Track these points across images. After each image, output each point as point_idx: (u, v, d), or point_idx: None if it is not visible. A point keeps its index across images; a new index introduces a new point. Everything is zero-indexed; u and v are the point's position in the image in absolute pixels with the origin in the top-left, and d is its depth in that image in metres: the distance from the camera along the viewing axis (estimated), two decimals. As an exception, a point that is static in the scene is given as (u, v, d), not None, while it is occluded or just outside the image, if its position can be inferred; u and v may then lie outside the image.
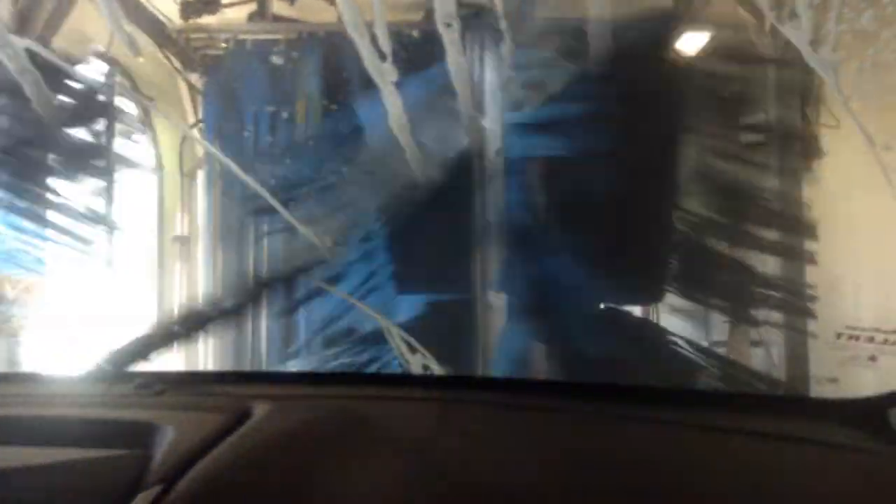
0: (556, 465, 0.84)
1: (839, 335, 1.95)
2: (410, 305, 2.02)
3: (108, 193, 2.25)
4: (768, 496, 0.74)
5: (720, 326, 2.31)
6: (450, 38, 1.84)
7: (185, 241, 2.44)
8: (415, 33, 2.37)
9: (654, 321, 2.33)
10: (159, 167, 2.63)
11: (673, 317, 2.21)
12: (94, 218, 2.20)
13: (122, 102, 2.43)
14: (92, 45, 2.18)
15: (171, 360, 1.41)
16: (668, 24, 2.21)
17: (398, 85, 1.86)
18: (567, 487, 0.78)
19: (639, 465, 0.83)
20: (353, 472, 0.82)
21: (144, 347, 1.45)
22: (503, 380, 1.17)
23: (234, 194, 2.03)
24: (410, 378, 1.20)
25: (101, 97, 2.32)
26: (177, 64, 2.53)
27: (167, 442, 0.86)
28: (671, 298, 2.16)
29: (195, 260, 2.38)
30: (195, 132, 2.45)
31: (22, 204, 2.12)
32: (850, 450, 0.85)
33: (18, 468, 0.80)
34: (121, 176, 2.26)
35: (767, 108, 2.25)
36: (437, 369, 1.29)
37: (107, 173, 2.26)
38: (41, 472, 0.79)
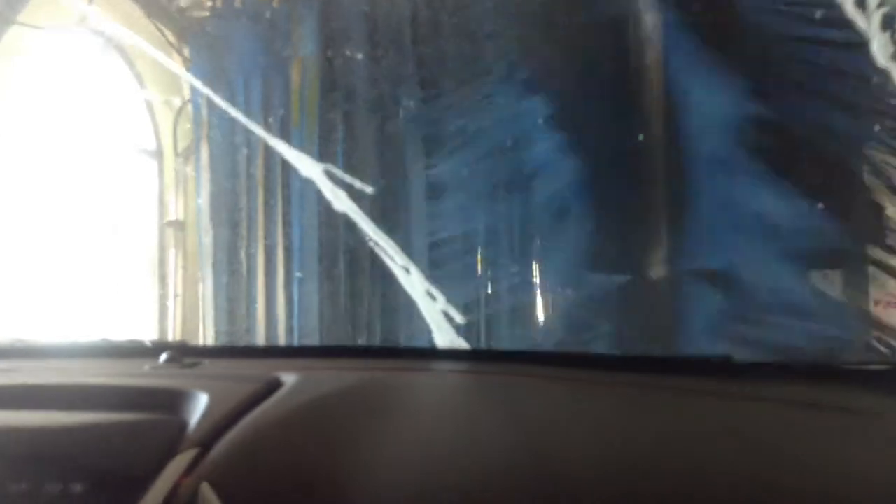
0: (588, 436, 0.83)
1: None
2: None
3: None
4: (794, 463, 0.73)
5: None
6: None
7: (179, 227, 2.34)
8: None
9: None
10: (158, 150, 2.55)
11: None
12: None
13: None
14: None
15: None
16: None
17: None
18: (598, 459, 0.77)
19: (669, 435, 0.82)
20: (384, 441, 0.82)
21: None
22: (536, 353, 1.16)
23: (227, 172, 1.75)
24: (440, 351, 1.20)
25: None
26: (171, 37, 2.33)
27: (202, 408, 0.87)
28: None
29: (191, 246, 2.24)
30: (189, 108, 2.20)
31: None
32: (880, 418, 0.84)
33: (55, 428, 0.81)
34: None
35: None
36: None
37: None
38: (78, 433, 0.80)
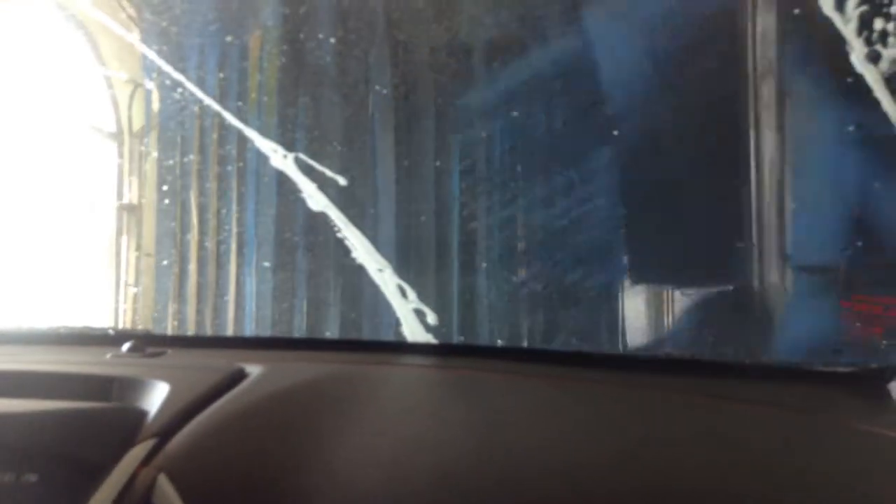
0: (563, 434, 0.83)
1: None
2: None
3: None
4: (764, 465, 0.73)
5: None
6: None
7: (133, 210, 2.20)
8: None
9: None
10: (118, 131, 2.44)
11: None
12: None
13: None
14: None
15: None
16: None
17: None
18: (574, 455, 0.77)
19: (649, 434, 0.82)
20: (349, 435, 0.80)
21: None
22: (508, 349, 1.15)
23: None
24: (412, 346, 1.18)
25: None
26: (130, 10, 2.18)
27: (162, 398, 0.85)
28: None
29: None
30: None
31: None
32: (850, 420, 0.85)
33: (7, 415, 0.78)
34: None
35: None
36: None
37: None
38: (33, 421, 0.78)
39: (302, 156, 1.29)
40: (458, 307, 1.22)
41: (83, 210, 1.61)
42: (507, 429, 0.83)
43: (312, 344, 1.22)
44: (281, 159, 1.30)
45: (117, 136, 1.67)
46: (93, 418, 0.80)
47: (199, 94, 1.43)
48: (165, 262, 1.38)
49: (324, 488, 0.72)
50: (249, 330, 1.31)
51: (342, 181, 1.27)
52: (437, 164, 1.26)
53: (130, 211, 1.50)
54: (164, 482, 0.71)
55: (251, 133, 1.35)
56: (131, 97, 1.60)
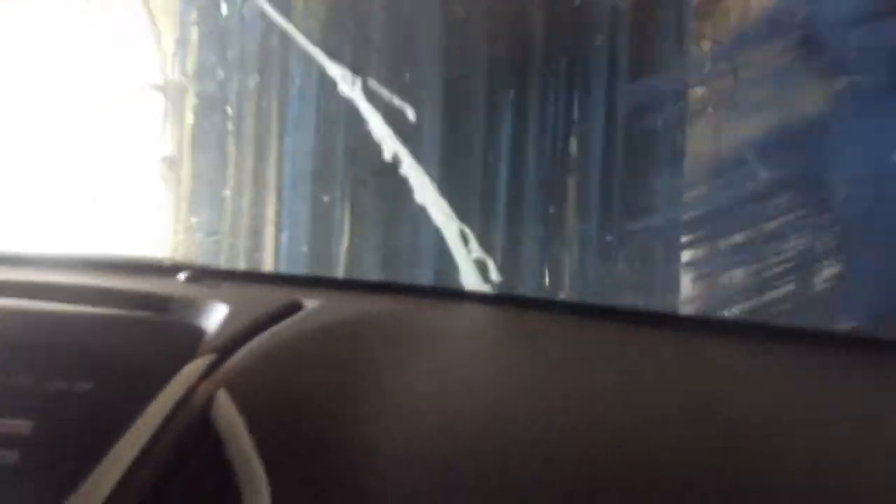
0: (623, 388, 0.78)
1: None
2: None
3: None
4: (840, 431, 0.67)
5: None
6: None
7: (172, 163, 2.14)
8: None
9: None
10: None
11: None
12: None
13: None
14: None
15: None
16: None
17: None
18: (635, 411, 0.72)
19: (715, 394, 0.76)
20: (405, 372, 0.77)
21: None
22: (571, 303, 1.10)
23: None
24: (472, 294, 1.14)
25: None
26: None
27: (222, 317, 0.82)
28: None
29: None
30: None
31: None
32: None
33: (62, 317, 0.76)
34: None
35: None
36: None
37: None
38: (88, 325, 0.76)
39: (372, 82, 1.23)
40: (530, 261, 1.16)
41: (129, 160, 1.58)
42: (566, 380, 0.78)
43: (369, 285, 1.19)
44: (349, 86, 1.24)
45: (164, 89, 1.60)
46: (152, 330, 0.78)
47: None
48: (226, 193, 1.35)
49: (378, 421, 0.69)
50: (302, 268, 1.27)
51: (411, 115, 1.22)
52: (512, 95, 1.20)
53: (170, 163, 1.45)
54: (223, 397, 0.68)
55: (316, 53, 1.29)
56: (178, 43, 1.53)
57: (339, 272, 1.24)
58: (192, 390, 0.69)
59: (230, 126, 1.32)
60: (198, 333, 0.78)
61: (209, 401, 0.67)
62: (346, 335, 0.85)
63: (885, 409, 0.69)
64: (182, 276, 1.12)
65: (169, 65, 1.46)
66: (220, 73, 1.37)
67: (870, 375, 0.79)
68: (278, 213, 1.29)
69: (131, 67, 1.55)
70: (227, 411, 0.66)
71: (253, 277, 1.24)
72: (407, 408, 0.71)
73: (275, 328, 0.82)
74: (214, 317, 0.83)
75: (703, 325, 1.02)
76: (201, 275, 1.14)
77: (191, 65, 1.42)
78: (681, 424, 0.66)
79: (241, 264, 1.29)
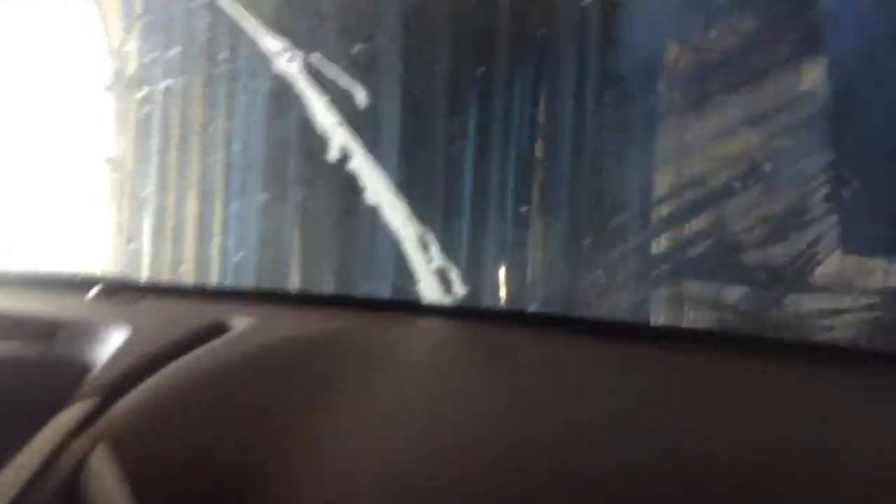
0: (598, 412, 0.65)
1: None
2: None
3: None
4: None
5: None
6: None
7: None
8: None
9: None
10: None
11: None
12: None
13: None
14: None
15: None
16: None
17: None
18: (613, 438, 0.60)
19: (700, 414, 0.65)
20: (349, 407, 0.63)
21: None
22: (532, 315, 0.97)
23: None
24: (428, 307, 1.00)
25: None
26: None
27: (119, 346, 0.67)
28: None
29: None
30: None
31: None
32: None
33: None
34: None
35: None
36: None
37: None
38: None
39: (315, 60, 1.05)
40: (497, 269, 1.01)
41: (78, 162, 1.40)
42: (521, 401, 0.66)
43: (312, 299, 1.04)
44: (286, 63, 1.06)
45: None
46: (23, 367, 0.62)
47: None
48: (144, 194, 1.17)
49: (309, 473, 0.55)
50: (236, 279, 1.10)
51: (360, 96, 1.05)
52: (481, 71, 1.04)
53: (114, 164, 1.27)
54: (100, 456, 0.53)
55: (251, 25, 1.09)
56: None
57: (283, 283, 1.08)
58: (62, 446, 0.54)
59: (152, 112, 1.15)
60: (83, 369, 0.63)
61: (81, 461, 0.53)
62: (276, 364, 0.71)
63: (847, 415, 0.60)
64: (93, 291, 0.97)
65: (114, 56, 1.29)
66: (153, 54, 1.18)
67: (825, 382, 0.70)
68: (212, 216, 1.12)
69: (79, 65, 1.39)
70: (103, 476, 0.52)
71: (182, 291, 1.08)
72: (344, 461, 0.57)
73: (187, 357, 0.67)
74: (110, 345, 0.67)
75: (675, 336, 0.90)
76: (118, 290, 0.99)
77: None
78: (652, 439, 0.57)
79: (168, 275, 1.12)
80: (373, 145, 1.03)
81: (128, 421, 0.56)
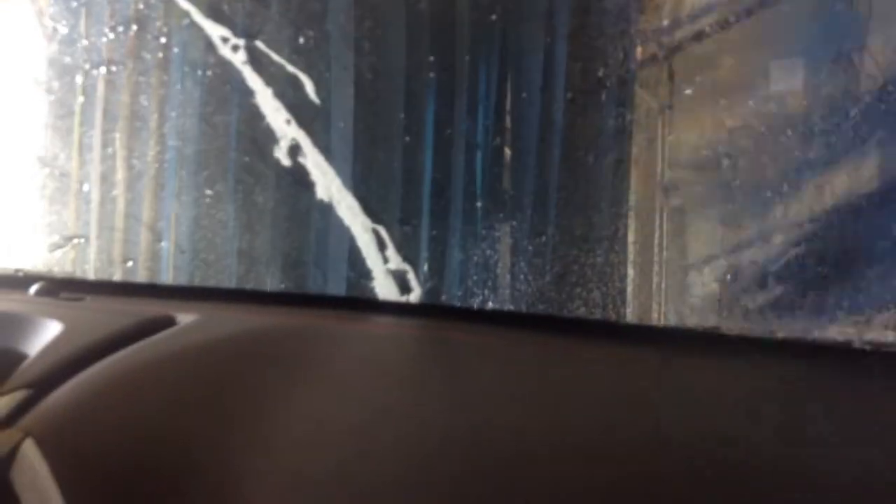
0: (547, 409, 0.65)
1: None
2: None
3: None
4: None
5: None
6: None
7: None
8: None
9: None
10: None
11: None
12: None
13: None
14: None
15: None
16: None
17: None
18: (560, 436, 0.60)
19: (643, 410, 0.65)
20: (294, 403, 0.61)
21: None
22: (488, 312, 0.95)
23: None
24: (379, 304, 0.98)
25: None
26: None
27: (51, 339, 0.65)
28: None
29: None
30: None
31: None
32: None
33: None
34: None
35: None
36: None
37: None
38: None
39: (260, 45, 1.01)
40: (456, 266, 0.99)
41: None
42: (484, 404, 0.65)
43: (260, 296, 1.02)
44: (230, 51, 1.03)
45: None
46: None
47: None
48: (86, 188, 1.13)
49: (249, 470, 0.53)
50: (181, 277, 1.06)
51: (308, 85, 1.01)
52: (431, 76, 1.01)
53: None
54: (29, 449, 0.51)
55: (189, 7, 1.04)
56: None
57: (228, 281, 1.06)
58: None
59: (88, 101, 1.10)
60: (16, 361, 0.61)
61: (9, 456, 0.51)
62: (219, 359, 0.69)
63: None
64: (33, 289, 0.94)
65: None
66: (84, 41, 1.13)
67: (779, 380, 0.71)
68: (155, 212, 1.08)
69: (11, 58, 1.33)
70: (31, 470, 0.50)
71: (127, 289, 1.05)
72: (288, 457, 0.55)
73: (123, 352, 0.65)
74: (42, 338, 0.65)
75: (640, 333, 0.90)
76: (60, 287, 0.96)
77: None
78: (615, 441, 0.57)
79: (112, 273, 1.08)
80: (323, 139, 1.00)
81: (58, 414, 0.54)
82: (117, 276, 1.08)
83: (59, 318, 0.69)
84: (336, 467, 0.55)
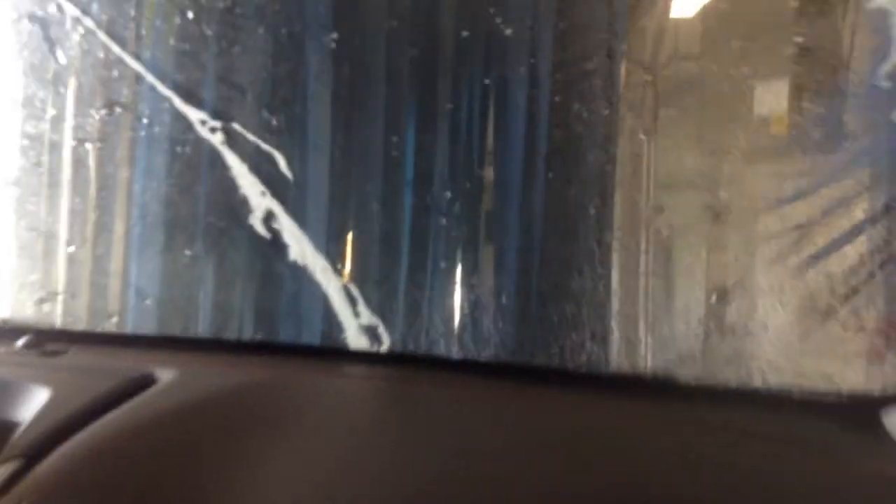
0: (517, 451, 0.70)
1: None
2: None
3: None
4: (739, 495, 0.63)
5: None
6: None
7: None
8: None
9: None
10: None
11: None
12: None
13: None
14: None
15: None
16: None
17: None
18: (533, 475, 0.65)
19: (619, 460, 0.70)
20: (277, 460, 0.66)
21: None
22: (465, 362, 1.01)
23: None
24: (353, 354, 1.03)
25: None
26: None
27: (40, 407, 0.69)
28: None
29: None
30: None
31: None
32: (836, 450, 0.74)
33: None
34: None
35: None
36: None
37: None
38: None
39: (236, 126, 1.08)
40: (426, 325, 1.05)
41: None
42: (461, 457, 0.70)
43: (242, 347, 1.07)
44: (208, 132, 1.09)
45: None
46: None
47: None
48: (72, 248, 1.18)
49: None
50: (159, 329, 1.11)
51: (282, 161, 1.08)
52: (394, 139, 1.07)
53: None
54: (23, 517, 0.56)
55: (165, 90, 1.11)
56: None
57: (208, 332, 1.10)
58: None
59: (70, 170, 1.15)
60: (7, 430, 0.65)
61: (6, 522, 0.55)
62: (203, 419, 0.74)
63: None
64: (20, 342, 0.98)
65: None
66: (52, 111, 1.20)
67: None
68: (134, 270, 1.13)
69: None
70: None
71: (110, 340, 1.09)
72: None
73: (110, 416, 0.70)
74: (32, 405, 0.70)
75: (611, 383, 0.95)
76: (45, 339, 1.00)
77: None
78: (590, 491, 0.61)
79: (93, 325, 1.13)
80: (297, 208, 1.06)
81: (49, 481, 0.59)
82: (94, 328, 1.13)
83: (46, 381, 0.73)
84: None
